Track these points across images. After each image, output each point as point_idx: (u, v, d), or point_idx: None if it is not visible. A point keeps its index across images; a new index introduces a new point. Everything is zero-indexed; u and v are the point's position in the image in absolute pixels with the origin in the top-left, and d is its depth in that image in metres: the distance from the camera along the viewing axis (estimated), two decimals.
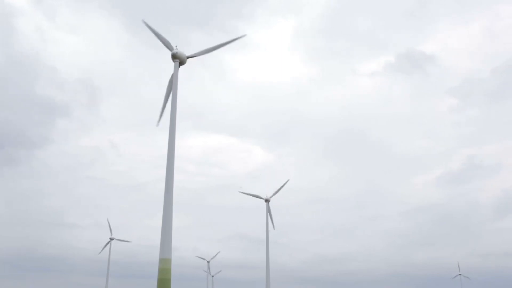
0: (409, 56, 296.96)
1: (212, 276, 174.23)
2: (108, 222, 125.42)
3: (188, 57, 49.51)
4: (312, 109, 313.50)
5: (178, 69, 48.87)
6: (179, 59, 48.86)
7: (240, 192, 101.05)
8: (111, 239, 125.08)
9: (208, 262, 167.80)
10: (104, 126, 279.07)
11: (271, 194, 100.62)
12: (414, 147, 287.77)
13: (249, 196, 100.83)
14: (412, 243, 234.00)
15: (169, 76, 49.96)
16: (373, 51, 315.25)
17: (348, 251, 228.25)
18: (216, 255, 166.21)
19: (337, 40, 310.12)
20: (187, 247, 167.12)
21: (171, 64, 49.27)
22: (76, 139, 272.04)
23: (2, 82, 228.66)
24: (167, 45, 49.51)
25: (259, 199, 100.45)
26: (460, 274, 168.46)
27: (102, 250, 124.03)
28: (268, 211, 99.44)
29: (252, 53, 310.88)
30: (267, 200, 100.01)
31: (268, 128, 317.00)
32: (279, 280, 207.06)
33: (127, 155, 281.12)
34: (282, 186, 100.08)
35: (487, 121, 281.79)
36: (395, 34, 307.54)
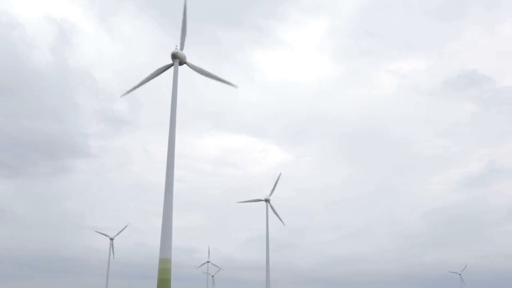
0: (438, 57, 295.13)
1: (212, 276, 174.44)
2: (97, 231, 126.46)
3: (185, 63, 49.90)
4: (332, 109, 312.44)
5: (178, 68, 49.24)
6: (179, 59, 49.27)
7: (238, 202, 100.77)
8: (111, 239, 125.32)
9: (208, 262, 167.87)
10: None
11: (269, 193, 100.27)
12: (432, 148, 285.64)
13: (250, 202, 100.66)
14: (423, 244, 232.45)
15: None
16: (402, 52, 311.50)
17: (360, 252, 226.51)
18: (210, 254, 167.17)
19: (366, 41, 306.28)
20: (204, 249, 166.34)
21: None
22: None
23: None
24: (182, 41, 49.76)
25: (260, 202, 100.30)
26: (460, 274, 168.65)
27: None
28: (272, 209, 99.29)
29: (283, 53, 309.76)
30: (267, 200, 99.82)
31: (287, 128, 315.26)
32: (291, 281, 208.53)
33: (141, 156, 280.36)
34: (276, 181, 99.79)
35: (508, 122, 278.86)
36: (425, 35, 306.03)
